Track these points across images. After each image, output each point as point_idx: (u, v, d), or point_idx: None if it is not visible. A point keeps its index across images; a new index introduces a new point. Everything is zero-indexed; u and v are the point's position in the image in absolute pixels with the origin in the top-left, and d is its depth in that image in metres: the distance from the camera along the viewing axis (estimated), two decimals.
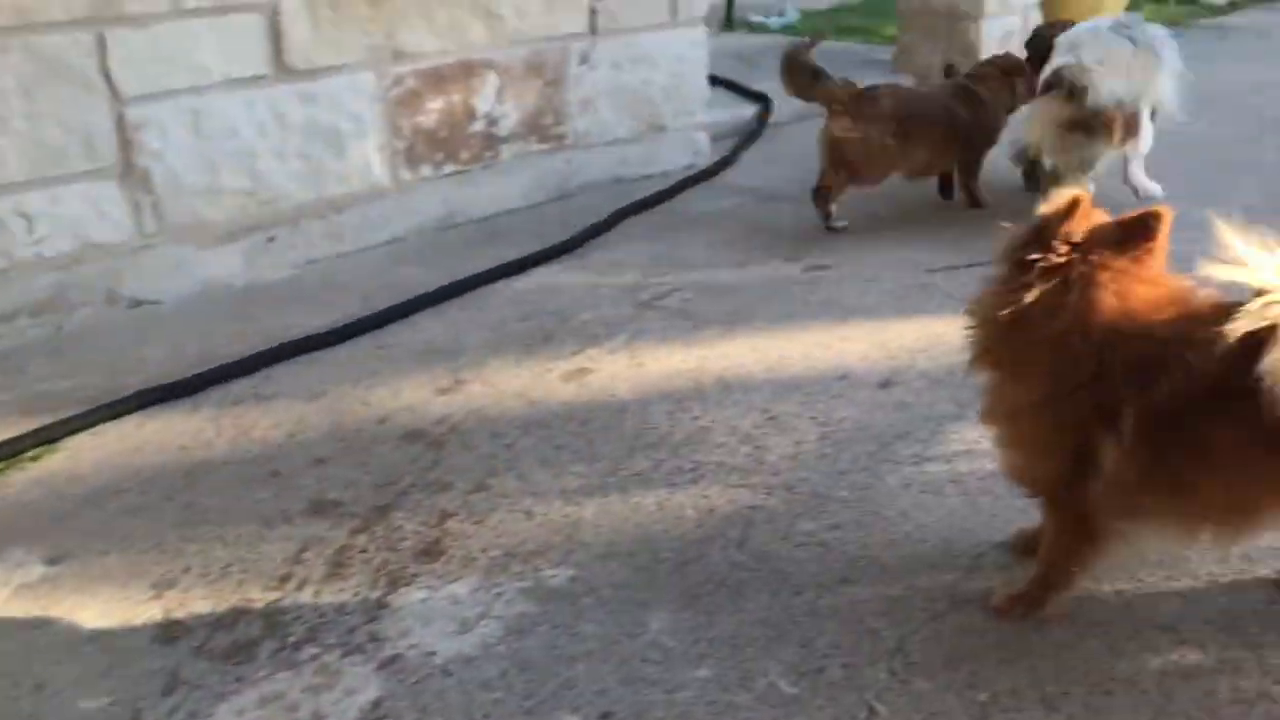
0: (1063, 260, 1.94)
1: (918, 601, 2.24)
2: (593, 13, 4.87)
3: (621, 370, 3.28)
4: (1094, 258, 1.94)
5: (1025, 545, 2.33)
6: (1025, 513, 2.33)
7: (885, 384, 3.17)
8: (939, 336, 3.41)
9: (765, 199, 4.90)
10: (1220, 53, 7.73)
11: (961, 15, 6.61)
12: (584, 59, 4.90)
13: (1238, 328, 1.77)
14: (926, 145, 4.42)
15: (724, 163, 5.35)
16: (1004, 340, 2.04)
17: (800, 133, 6.00)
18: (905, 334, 3.48)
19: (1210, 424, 1.87)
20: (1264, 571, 2.28)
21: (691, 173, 5.20)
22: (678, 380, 3.21)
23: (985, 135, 4.61)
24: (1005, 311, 1.98)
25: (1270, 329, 1.76)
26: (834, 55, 7.83)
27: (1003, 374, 2.10)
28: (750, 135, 5.79)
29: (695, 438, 2.89)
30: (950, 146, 4.53)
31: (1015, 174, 4.85)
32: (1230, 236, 1.85)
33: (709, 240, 4.39)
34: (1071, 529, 2.10)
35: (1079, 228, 1.96)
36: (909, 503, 2.58)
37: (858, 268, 4.05)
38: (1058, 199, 1.98)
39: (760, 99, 6.24)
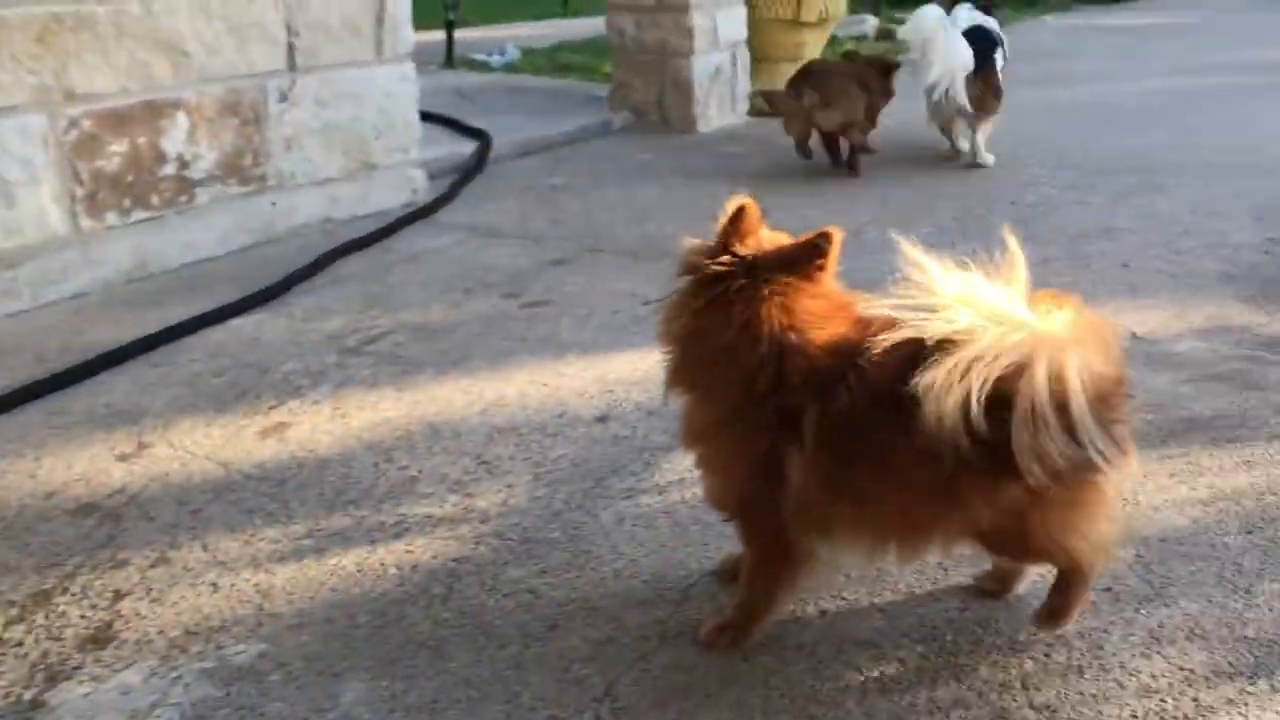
0: (723, 269, 1.96)
1: (627, 641, 2.18)
2: (291, 49, 4.67)
3: (323, 423, 3.10)
4: (761, 272, 1.96)
5: (733, 572, 2.31)
6: (734, 538, 2.32)
7: (602, 418, 3.13)
8: (654, 367, 3.38)
9: (485, 235, 4.81)
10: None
11: (672, 52, 6.76)
12: (284, 96, 4.68)
13: (892, 337, 1.82)
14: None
15: (442, 200, 5.23)
16: (688, 359, 2.04)
17: (521, 168, 5.99)
18: (622, 367, 3.46)
19: (884, 437, 1.90)
20: (958, 579, 2.35)
21: (408, 211, 5.05)
22: (384, 430, 3.06)
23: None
24: (676, 325, 1.98)
25: (932, 346, 1.80)
26: (554, 92, 7.90)
27: (692, 394, 2.09)
28: (469, 172, 5.70)
29: (401, 490, 2.75)
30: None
31: None
32: (916, 256, 1.88)
33: (424, 280, 4.26)
34: (767, 550, 2.10)
35: (745, 237, 1.98)
36: (621, 538, 2.53)
37: (577, 302, 4.01)
38: (728, 207, 2.00)
39: (479, 135, 6.17)
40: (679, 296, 2.03)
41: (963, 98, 5.36)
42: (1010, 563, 2.22)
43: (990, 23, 5.73)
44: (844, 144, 5.75)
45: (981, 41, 5.45)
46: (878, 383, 1.89)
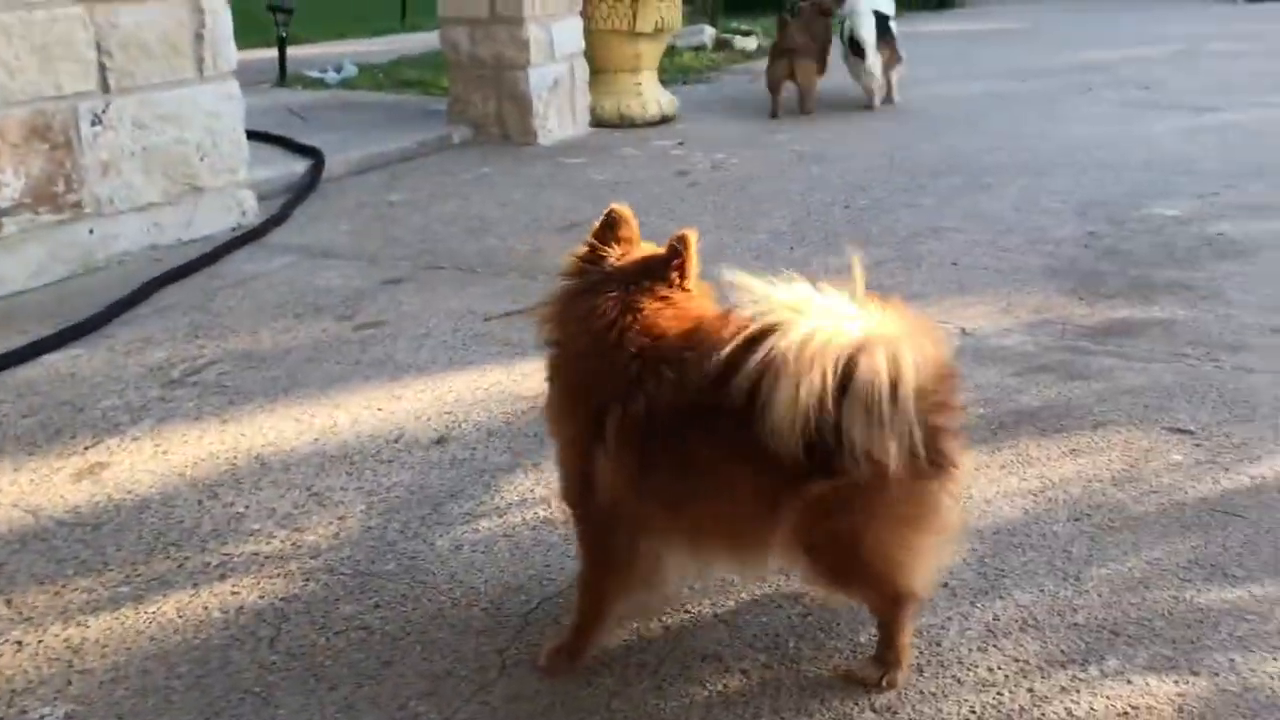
0: (583, 267, 2.04)
1: (465, 673, 2.10)
2: (103, 69, 4.44)
3: (144, 461, 2.93)
4: (618, 275, 2.00)
5: None
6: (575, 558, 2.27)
7: (440, 441, 3.04)
8: (495, 385, 3.34)
9: (317, 256, 4.66)
10: (753, 92, 8.36)
11: (508, 65, 6.69)
12: (98, 119, 4.44)
13: (722, 362, 1.80)
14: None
15: (272, 221, 5.05)
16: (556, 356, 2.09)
17: (357, 186, 5.84)
18: (461, 387, 3.37)
19: (696, 441, 1.89)
20: (800, 585, 2.33)
21: (236, 234, 4.86)
22: (209, 465, 2.91)
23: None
24: (547, 327, 2.05)
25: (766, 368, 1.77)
26: (392, 108, 7.75)
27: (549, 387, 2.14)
28: (302, 191, 5.52)
29: (226, 528, 2.61)
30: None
31: None
32: (739, 278, 1.87)
33: (253, 306, 4.09)
34: (593, 555, 2.08)
35: (617, 242, 2.03)
36: (459, 565, 2.45)
37: (413, 322, 3.91)
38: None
39: (312, 154, 6.00)
40: (552, 297, 2.07)
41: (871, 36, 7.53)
42: (835, 590, 2.17)
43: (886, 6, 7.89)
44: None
45: (882, 21, 7.64)
46: (687, 386, 1.88)
